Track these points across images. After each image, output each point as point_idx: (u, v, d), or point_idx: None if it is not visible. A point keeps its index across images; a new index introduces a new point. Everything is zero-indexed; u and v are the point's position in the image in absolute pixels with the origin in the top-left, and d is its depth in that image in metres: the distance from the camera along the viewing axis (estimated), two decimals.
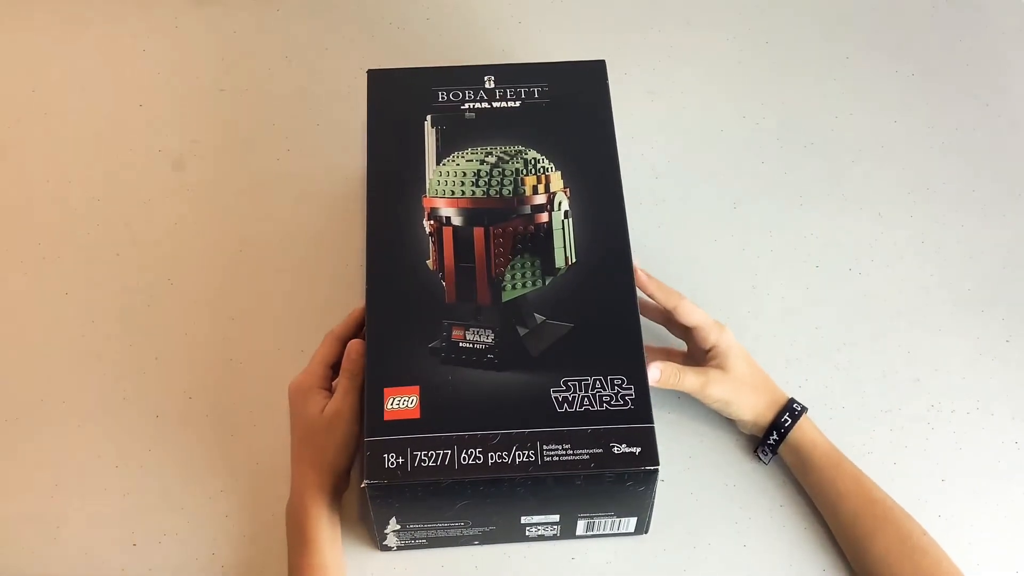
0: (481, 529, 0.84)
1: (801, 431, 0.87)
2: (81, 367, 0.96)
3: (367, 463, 0.77)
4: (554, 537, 0.87)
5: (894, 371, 0.97)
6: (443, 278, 0.85)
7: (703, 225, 1.05)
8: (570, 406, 0.80)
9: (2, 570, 0.86)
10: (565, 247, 0.87)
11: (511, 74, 0.96)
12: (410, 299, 0.85)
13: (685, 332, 0.91)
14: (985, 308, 1.01)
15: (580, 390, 0.81)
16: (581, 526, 0.85)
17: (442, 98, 0.94)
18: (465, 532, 0.84)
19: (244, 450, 0.91)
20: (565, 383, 0.81)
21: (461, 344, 0.83)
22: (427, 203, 0.88)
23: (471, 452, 0.78)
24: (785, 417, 0.87)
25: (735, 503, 0.90)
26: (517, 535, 0.86)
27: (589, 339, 0.83)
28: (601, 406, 0.80)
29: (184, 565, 0.87)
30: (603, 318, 0.84)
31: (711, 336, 0.89)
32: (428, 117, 0.92)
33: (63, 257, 1.01)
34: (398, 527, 0.83)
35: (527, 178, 0.89)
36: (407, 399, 0.80)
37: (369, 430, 0.79)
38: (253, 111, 1.11)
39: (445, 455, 0.77)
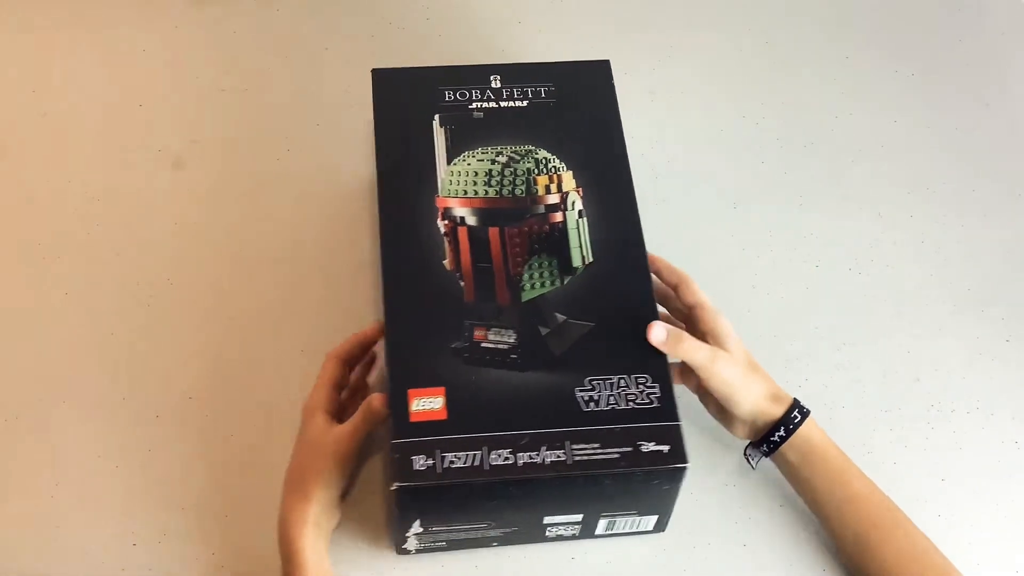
0: (503, 530, 0.84)
1: (812, 429, 0.85)
2: (81, 367, 0.96)
3: (396, 465, 0.76)
4: (573, 537, 0.86)
5: (894, 371, 0.97)
6: (461, 278, 0.85)
7: (703, 225, 1.05)
8: (596, 405, 0.80)
9: (2, 570, 0.86)
10: (581, 247, 0.87)
11: (517, 74, 0.95)
12: (429, 300, 0.84)
13: (686, 312, 0.89)
14: (985, 308, 1.01)
15: (605, 389, 0.81)
16: (602, 525, 0.85)
17: (449, 97, 0.93)
18: (487, 533, 0.84)
19: (244, 450, 0.91)
20: (590, 382, 0.81)
21: (483, 344, 0.82)
22: (440, 203, 0.88)
23: (501, 453, 0.77)
24: (795, 413, 0.85)
25: (735, 503, 0.90)
26: (537, 535, 0.86)
27: (610, 338, 0.83)
28: (627, 404, 0.80)
29: (184, 565, 0.87)
30: (622, 317, 0.84)
31: (710, 317, 0.86)
32: (436, 116, 0.92)
33: (63, 257, 1.01)
34: (420, 530, 0.82)
35: (539, 178, 0.89)
36: (432, 400, 0.79)
37: (395, 431, 0.77)
38: (253, 111, 1.11)
39: (475, 456, 0.77)
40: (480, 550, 0.87)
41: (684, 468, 0.79)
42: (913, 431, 0.94)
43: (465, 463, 0.76)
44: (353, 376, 0.90)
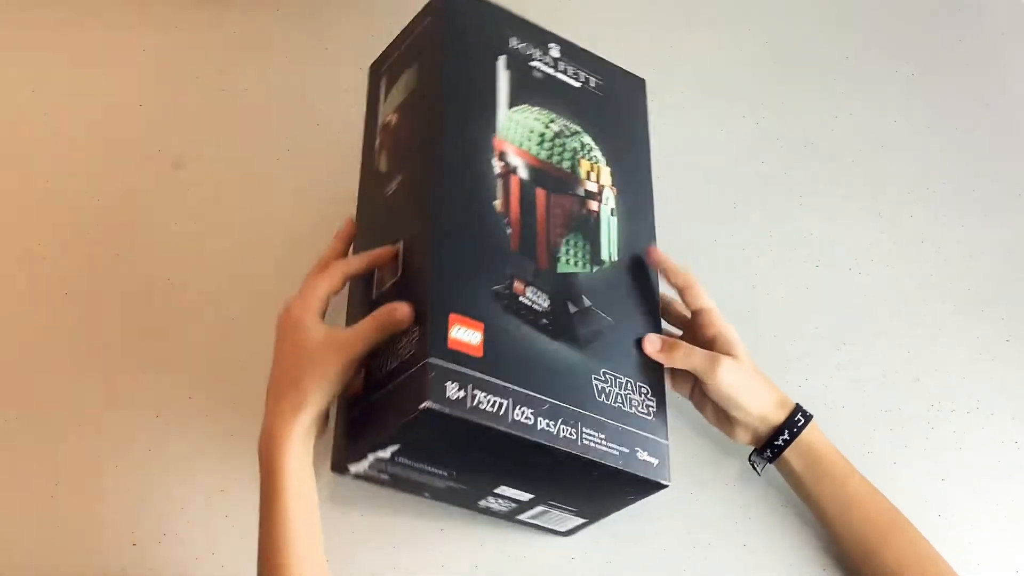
0: (451, 484, 0.82)
1: (815, 433, 0.85)
2: (81, 367, 0.96)
3: (431, 384, 0.71)
4: (499, 514, 0.86)
5: (894, 371, 0.97)
6: (508, 225, 0.82)
7: (703, 225, 1.05)
8: (607, 398, 0.79)
9: (2, 570, 0.86)
10: (609, 243, 0.86)
11: (573, 52, 0.93)
12: (477, 234, 0.80)
13: (689, 318, 0.89)
14: (985, 308, 1.01)
15: (615, 386, 0.80)
16: (534, 511, 0.85)
17: (513, 45, 0.89)
18: (434, 483, 0.82)
19: (244, 450, 0.91)
20: (605, 374, 0.80)
21: (521, 299, 0.79)
22: (498, 144, 0.83)
23: (523, 410, 0.75)
24: (798, 417, 0.85)
25: (735, 503, 0.90)
26: (472, 502, 0.85)
27: (622, 339, 0.83)
28: (631, 408, 0.80)
29: (184, 565, 0.87)
30: (634, 323, 0.84)
31: (717, 321, 0.85)
32: (503, 57, 0.88)
33: (63, 257, 1.01)
34: (387, 456, 0.78)
35: (582, 161, 0.87)
36: (472, 333, 0.75)
37: (432, 350, 0.73)
38: (253, 111, 1.11)
39: (501, 404, 0.74)
40: (481, 547, 0.87)
41: (664, 487, 0.79)
42: (913, 431, 0.94)
43: (491, 408, 0.73)
44: None
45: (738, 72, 1.16)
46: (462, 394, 0.72)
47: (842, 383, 0.96)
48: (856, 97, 1.14)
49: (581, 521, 0.86)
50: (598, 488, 0.81)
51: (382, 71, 0.94)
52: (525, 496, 0.83)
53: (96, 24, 1.17)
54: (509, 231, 0.81)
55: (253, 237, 1.03)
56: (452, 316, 0.74)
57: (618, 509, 0.85)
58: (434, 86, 0.84)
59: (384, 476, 0.81)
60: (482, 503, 0.85)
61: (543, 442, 0.75)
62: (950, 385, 0.96)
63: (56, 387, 0.95)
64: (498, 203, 0.81)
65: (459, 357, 0.73)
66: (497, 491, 0.83)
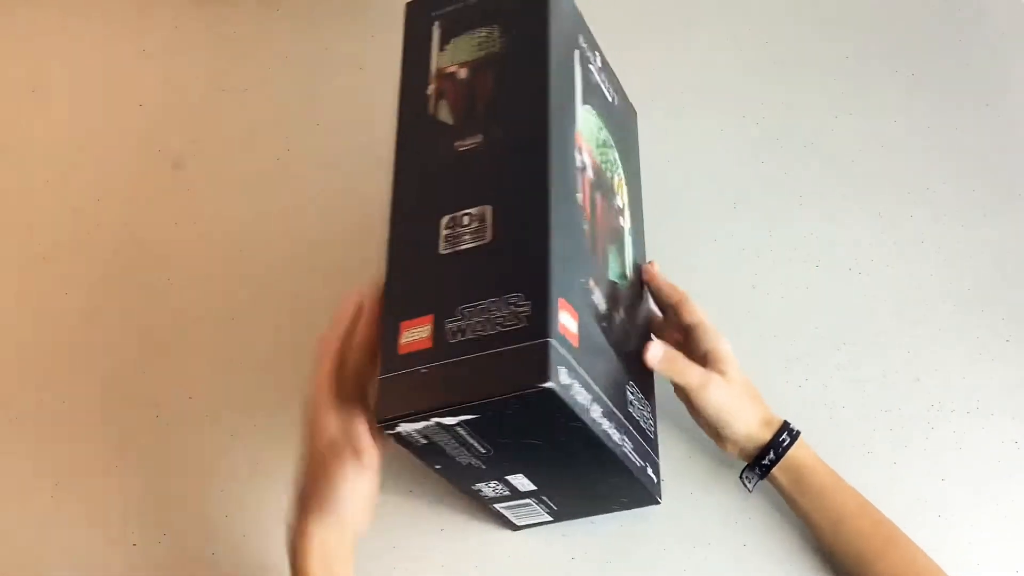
0: (474, 462, 0.79)
1: (801, 450, 0.85)
2: (81, 367, 0.96)
3: (553, 365, 0.68)
4: (483, 498, 0.84)
5: (894, 371, 0.97)
6: (584, 221, 0.80)
7: (703, 225, 1.05)
8: (633, 410, 0.81)
9: (2, 570, 0.86)
10: (629, 260, 0.87)
11: (607, 65, 0.92)
12: (575, 224, 0.78)
13: (682, 334, 0.89)
14: (985, 308, 1.01)
15: (637, 401, 0.82)
16: (516, 503, 0.84)
17: (580, 42, 0.87)
18: (461, 458, 0.78)
19: (244, 450, 0.91)
20: (631, 386, 0.81)
21: (592, 296, 0.78)
22: (578, 139, 0.81)
23: (598, 409, 0.74)
24: (783, 436, 0.85)
25: (735, 503, 0.90)
26: (470, 483, 0.82)
27: (638, 357, 0.83)
28: (644, 424, 0.82)
29: (184, 565, 0.87)
30: (641, 343, 0.84)
31: (711, 337, 0.86)
32: (577, 52, 0.85)
33: (63, 257, 1.01)
34: (452, 423, 0.73)
35: (615, 175, 0.87)
36: (572, 321, 0.73)
37: (551, 329, 0.69)
38: (253, 111, 1.11)
39: (588, 398, 0.73)
40: (481, 547, 0.87)
41: (657, 503, 0.84)
42: (913, 431, 0.94)
43: (583, 400, 0.72)
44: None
45: (738, 72, 1.15)
46: (569, 381, 0.70)
47: (842, 383, 0.96)
48: (856, 97, 1.14)
49: (547, 519, 0.87)
50: (605, 493, 0.82)
51: (432, 16, 0.88)
52: (529, 487, 0.82)
53: (96, 24, 1.17)
54: (585, 227, 0.79)
55: (253, 237, 1.03)
56: (560, 301, 0.71)
57: (594, 515, 0.86)
58: (536, 64, 0.80)
59: (422, 441, 0.75)
60: (478, 486, 0.82)
61: (605, 443, 0.75)
62: (950, 385, 0.96)
63: (56, 387, 0.95)
64: (580, 196, 0.79)
65: (565, 343, 0.71)
66: (508, 478, 0.81)
